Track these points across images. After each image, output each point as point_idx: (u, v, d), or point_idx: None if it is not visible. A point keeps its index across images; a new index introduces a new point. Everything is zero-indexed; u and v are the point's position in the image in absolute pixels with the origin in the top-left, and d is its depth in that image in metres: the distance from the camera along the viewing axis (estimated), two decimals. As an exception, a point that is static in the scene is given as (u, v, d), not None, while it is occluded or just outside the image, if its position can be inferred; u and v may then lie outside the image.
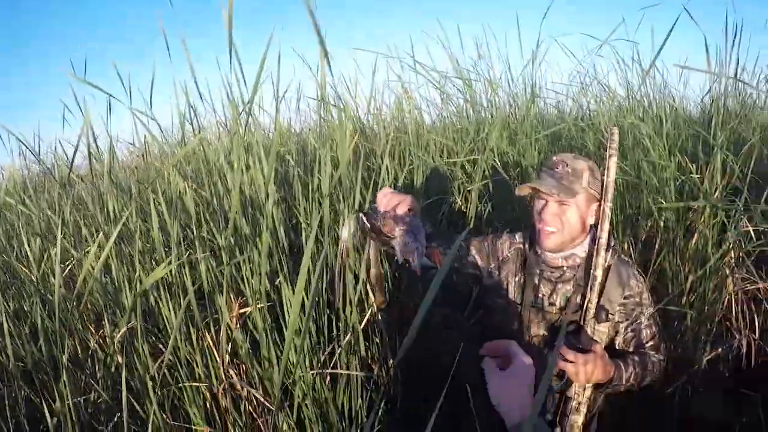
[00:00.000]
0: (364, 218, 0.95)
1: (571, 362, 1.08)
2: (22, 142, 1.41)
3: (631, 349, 1.27)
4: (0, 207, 1.42)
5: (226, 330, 1.14)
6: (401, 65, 2.05)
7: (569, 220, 1.22)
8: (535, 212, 1.27)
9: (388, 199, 1.00)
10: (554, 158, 1.26)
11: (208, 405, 1.19)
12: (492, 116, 1.99)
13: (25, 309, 1.46)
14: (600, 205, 1.25)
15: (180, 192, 1.14)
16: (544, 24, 1.80)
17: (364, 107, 2.16)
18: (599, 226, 1.22)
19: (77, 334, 1.32)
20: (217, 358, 1.13)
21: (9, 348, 1.22)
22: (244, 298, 1.15)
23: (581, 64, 1.97)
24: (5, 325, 1.17)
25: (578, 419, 1.18)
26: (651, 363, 1.25)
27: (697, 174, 1.71)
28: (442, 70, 2.06)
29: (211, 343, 1.14)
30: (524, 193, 1.28)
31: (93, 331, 1.40)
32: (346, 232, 0.98)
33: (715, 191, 1.67)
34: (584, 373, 1.09)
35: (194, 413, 1.14)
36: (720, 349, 1.80)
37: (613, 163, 1.20)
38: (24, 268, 1.49)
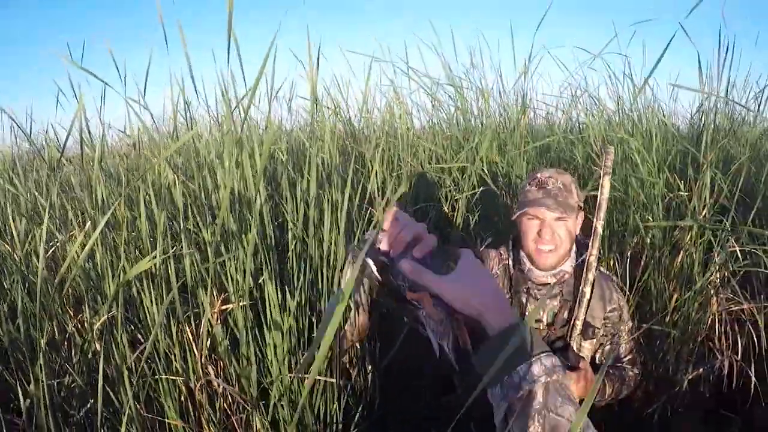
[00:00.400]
0: (373, 267, 0.63)
1: None
2: (13, 120, 1.40)
3: (609, 363, 1.29)
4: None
5: (207, 325, 1.14)
6: (394, 69, 2.06)
7: (564, 234, 1.22)
8: (529, 232, 1.24)
9: (401, 234, 0.65)
10: (539, 176, 1.24)
11: (183, 399, 1.19)
12: (482, 125, 2.00)
13: (5, 286, 1.45)
14: (585, 215, 1.26)
15: (169, 183, 1.15)
16: (537, 34, 1.81)
17: (354, 109, 2.16)
18: (590, 244, 1.21)
19: (56, 317, 1.31)
20: (196, 353, 1.12)
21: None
22: (226, 294, 1.15)
23: (573, 76, 1.99)
24: None
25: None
26: (628, 377, 1.28)
27: (685, 191, 1.72)
28: (435, 76, 2.07)
29: (191, 338, 1.13)
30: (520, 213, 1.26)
31: (71, 314, 1.39)
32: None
33: (704, 209, 1.68)
34: (576, 389, 1.10)
35: (169, 406, 1.13)
36: (701, 370, 1.80)
37: (607, 181, 1.20)
38: (6, 246, 1.49)
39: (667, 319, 1.72)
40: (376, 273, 0.63)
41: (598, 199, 1.21)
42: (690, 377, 1.73)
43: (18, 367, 1.22)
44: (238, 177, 1.16)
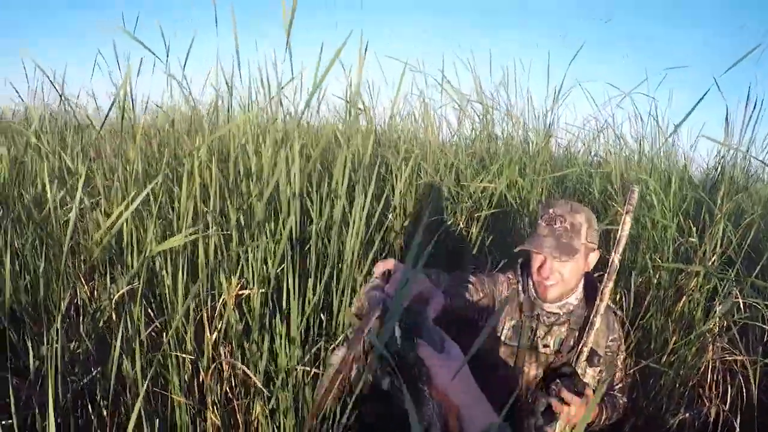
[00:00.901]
0: (398, 332, 0.57)
1: (567, 404, 1.13)
2: (50, 80, 1.42)
3: (603, 390, 1.35)
4: (27, 145, 1.43)
5: (222, 309, 1.16)
6: (425, 80, 2.10)
7: (568, 273, 1.25)
8: (533, 264, 1.28)
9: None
10: (551, 211, 1.26)
11: (187, 378, 1.20)
12: (504, 146, 2.03)
13: (15, 246, 1.45)
14: (597, 253, 1.29)
15: (202, 165, 1.17)
16: (570, 65, 1.85)
17: (381, 114, 2.20)
18: (606, 277, 1.24)
19: (70, 283, 1.33)
20: (208, 334, 1.14)
21: (8, 286, 1.23)
22: (244, 280, 1.17)
23: (600, 111, 2.03)
24: (8, 265, 1.18)
25: (553, 457, 1.21)
26: (619, 404, 1.35)
27: (695, 238, 1.75)
28: (466, 92, 2.10)
29: (206, 318, 1.15)
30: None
31: (83, 281, 1.40)
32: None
33: (712, 257, 1.72)
34: (577, 415, 1.14)
35: (175, 382, 1.15)
36: (688, 414, 1.83)
37: (629, 219, 1.23)
38: (24, 208, 1.49)
39: (664, 359, 1.75)
40: (399, 340, 0.58)
41: (618, 234, 1.23)
42: (678, 420, 1.76)
43: (29, 327, 1.23)
44: (271, 166, 1.18)
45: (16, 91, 1.79)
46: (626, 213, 1.24)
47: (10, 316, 1.31)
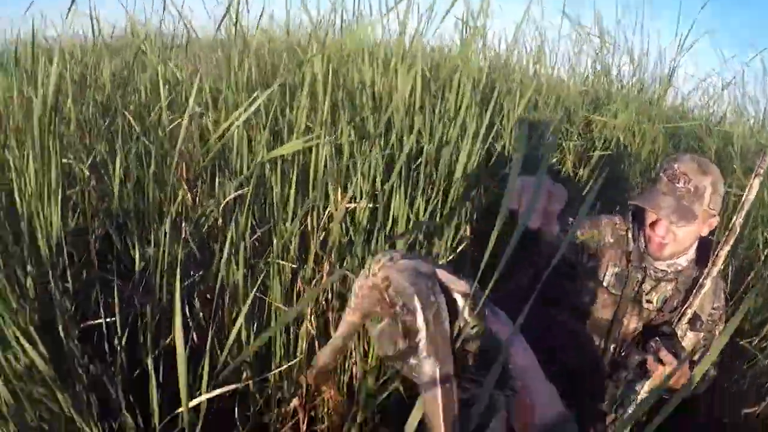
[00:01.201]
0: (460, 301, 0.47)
1: (663, 364, 1.08)
2: None
3: (696, 358, 1.28)
4: (136, 53, 1.45)
5: (327, 220, 1.17)
6: (542, 11, 1.99)
7: (683, 235, 1.17)
8: (647, 219, 1.21)
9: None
10: (676, 167, 1.16)
11: (285, 286, 1.22)
12: (621, 89, 1.91)
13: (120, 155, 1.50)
14: (717, 219, 1.21)
15: (317, 76, 1.15)
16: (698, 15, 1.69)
17: (490, 41, 2.10)
18: (723, 240, 1.16)
19: (176, 189, 1.36)
20: (312, 244, 1.15)
21: (115, 193, 1.28)
22: (352, 193, 1.15)
23: (726, 66, 1.85)
24: (117, 172, 1.22)
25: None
26: (709, 376, 1.30)
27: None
28: (586, 24, 1.98)
29: (310, 229, 1.16)
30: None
31: (186, 187, 1.43)
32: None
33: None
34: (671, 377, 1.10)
35: (276, 289, 1.17)
36: (762, 406, 1.74)
37: (756, 183, 1.14)
38: (130, 116, 1.53)
39: (755, 342, 1.65)
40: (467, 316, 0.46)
41: (744, 197, 1.15)
42: (749, 410, 1.67)
43: (132, 230, 1.27)
44: (386, 82, 1.15)
45: (123, 7, 1.82)
46: (755, 176, 1.14)
47: (115, 222, 1.37)
